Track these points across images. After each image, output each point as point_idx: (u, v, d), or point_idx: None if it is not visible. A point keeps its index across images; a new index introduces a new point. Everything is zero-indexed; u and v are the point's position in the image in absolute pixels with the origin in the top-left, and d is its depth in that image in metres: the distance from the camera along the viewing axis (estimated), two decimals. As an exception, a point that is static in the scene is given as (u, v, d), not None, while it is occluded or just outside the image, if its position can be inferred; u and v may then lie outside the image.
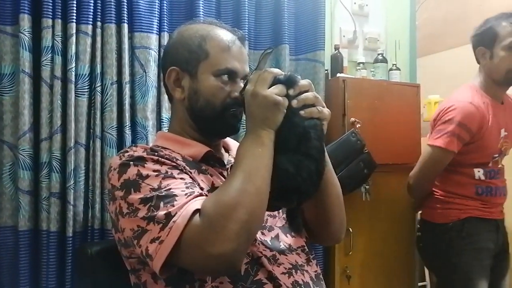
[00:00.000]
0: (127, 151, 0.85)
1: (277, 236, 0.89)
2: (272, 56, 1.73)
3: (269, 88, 0.80)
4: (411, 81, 2.21)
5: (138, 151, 0.84)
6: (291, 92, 0.81)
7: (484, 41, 1.54)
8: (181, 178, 0.79)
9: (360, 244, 1.78)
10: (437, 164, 1.59)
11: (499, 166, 1.63)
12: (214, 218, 0.70)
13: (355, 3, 2.12)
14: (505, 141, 1.59)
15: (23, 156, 1.31)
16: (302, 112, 0.81)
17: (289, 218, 0.89)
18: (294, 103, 0.81)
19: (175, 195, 0.74)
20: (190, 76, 0.91)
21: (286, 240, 0.90)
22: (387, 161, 1.81)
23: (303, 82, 0.84)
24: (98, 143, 1.39)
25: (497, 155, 1.59)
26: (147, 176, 0.78)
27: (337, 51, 1.94)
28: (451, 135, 1.51)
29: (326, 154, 0.89)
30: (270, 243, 0.86)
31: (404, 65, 2.21)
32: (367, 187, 1.77)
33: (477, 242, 1.56)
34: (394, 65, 2.06)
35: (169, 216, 0.72)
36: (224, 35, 0.93)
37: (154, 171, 0.79)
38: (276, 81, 0.82)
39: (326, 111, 0.84)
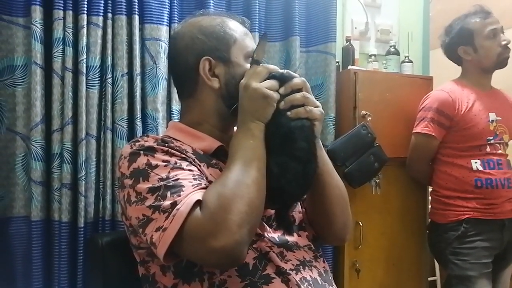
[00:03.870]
0: (138, 141, 0.86)
1: (283, 234, 0.89)
2: (283, 48, 1.72)
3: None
4: (423, 74, 2.18)
5: (149, 141, 0.84)
6: (281, 90, 0.82)
7: (462, 40, 1.69)
8: (189, 170, 0.79)
9: (369, 238, 1.77)
10: (420, 150, 1.71)
11: (499, 152, 1.63)
12: (215, 211, 0.70)
13: (367, -6, 2.09)
14: (499, 125, 1.65)
15: (35, 147, 1.33)
16: (289, 113, 0.81)
17: (277, 218, 0.87)
18: (282, 104, 0.81)
19: (182, 186, 0.75)
20: (223, 62, 0.89)
21: (292, 238, 0.89)
22: (398, 154, 1.79)
23: (296, 80, 0.83)
24: (109, 135, 1.40)
25: (491, 138, 1.62)
26: (156, 166, 0.78)
27: (348, 43, 1.92)
28: (427, 120, 1.66)
29: (323, 155, 0.89)
30: (277, 240, 0.86)
31: (417, 58, 2.18)
32: (377, 180, 1.76)
33: (474, 242, 1.58)
34: (407, 57, 2.03)
35: (174, 205, 0.72)
36: (238, 23, 0.95)
37: (163, 161, 0.79)
38: (270, 76, 0.82)
39: (316, 110, 0.83)
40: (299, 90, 0.83)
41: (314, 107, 0.83)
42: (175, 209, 0.72)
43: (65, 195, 1.34)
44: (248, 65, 0.88)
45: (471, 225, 1.59)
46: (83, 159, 1.35)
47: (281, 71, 0.84)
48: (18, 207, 1.37)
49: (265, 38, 0.90)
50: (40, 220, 1.34)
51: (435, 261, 2.44)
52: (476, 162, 1.60)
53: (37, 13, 1.31)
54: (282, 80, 0.82)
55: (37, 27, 1.31)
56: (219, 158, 0.89)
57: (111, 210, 1.40)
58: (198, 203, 0.72)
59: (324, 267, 0.91)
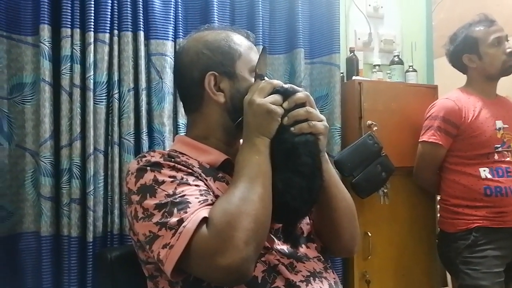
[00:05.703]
0: (144, 156, 0.86)
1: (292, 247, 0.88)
2: (287, 60, 1.73)
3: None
4: (428, 83, 2.19)
5: (155, 157, 0.84)
6: (285, 105, 0.82)
7: (466, 48, 1.69)
8: (195, 185, 0.79)
9: (379, 248, 1.76)
10: (427, 158, 1.70)
11: (507, 160, 1.62)
12: (221, 228, 0.70)
13: (369, 5, 2.11)
14: (506, 132, 1.64)
15: (44, 163, 1.34)
16: (292, 129, 0.81)
17: (283, 233, 0.86)
18: (285, 120, 0.82)
19: (189, 202, 0.75)
20: (228, 77, 0.90)
21: (301, 250, 0.89)
22: (405, 164, 1.78)
23: (299, 94, 0.84)
24: (116, 150, 1.41)
25: (499, 145, 1.61)
26: (163, 182, 0.79)
27: (352, 53, 1.93)
28: (433, 129, 1.65)
29: (329, 168, 0.89)
30: (287, 251, 0.86)
31: (421, 67, 2.19)
32: (385, 190, 1.75)
33: (485, 251, 1.56)
34: (411, 67, 2.03)
35: (180, 222, 0.72)
36: (242, 37, 0.96)
37: (170, 177, 0.79)
38: (274, 91, 0.83)
39: (320, 125, 0.83)
40: (303, 104, 0.83)
41: (318, 121, 0.83)
42: (182, 226, 0.72)
43: (74, 210, 1.35)
44: (253, 79, 0.89)
45: (481, 233, 1.57)
46: (91, 174, 1.36)
47: (285, 86, 0.84)
48: (27, 223, 1.38)
49: (265, 51, 0.91)
50: (50, 235, 1.35)
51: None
52: (484, 170, 1.59)
53: (45, 31, 1.34)
54: (286, 94, 0.83)
55: (46, 45, 1.34)
56: (225, 171, 0.89)
57: (119, 225, 1.40)
58: (204, 220, 0.72)
59: (334, 278, 0.91)
